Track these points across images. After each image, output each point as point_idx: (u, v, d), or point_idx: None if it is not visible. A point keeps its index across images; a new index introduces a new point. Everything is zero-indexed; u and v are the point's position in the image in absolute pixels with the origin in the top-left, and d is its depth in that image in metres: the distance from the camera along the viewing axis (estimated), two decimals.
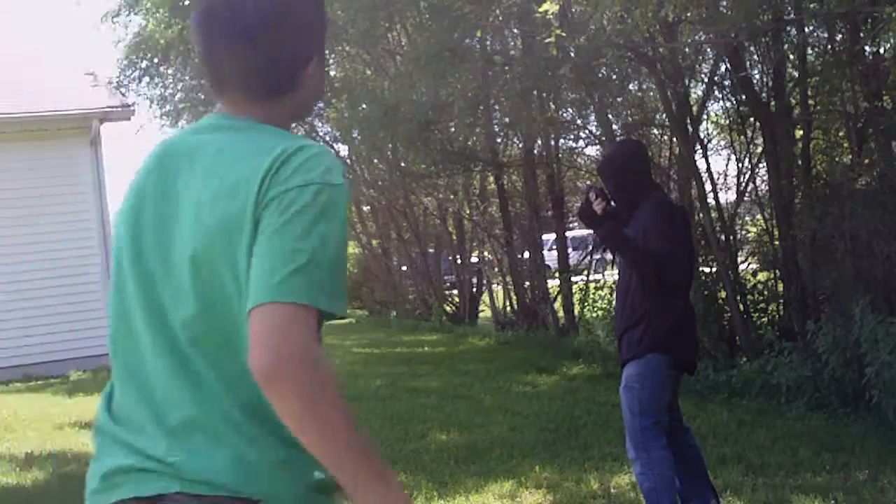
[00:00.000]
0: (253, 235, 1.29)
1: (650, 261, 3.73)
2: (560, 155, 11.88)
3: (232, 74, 1.43)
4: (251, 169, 1.32)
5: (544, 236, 12.90)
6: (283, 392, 1.23)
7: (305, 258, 1.26)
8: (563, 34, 5.88)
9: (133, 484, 1.34)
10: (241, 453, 1.31)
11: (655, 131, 10.26)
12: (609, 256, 10.48)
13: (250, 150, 1.35)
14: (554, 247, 12.30)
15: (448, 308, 16.33)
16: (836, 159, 8.25)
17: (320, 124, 16.73)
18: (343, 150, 16.71)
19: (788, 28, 7.43)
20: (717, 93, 9.02)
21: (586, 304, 10.85)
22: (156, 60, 14.79)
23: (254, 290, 1.26)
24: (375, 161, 14.80)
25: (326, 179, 1.32)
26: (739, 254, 9.06)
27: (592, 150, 11.94)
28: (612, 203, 4.07)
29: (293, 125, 1.62)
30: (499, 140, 11.97)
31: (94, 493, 1.41)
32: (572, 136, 11.55)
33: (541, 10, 5.62)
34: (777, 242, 8.08)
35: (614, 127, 9.55)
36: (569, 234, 12.95)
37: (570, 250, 12.32)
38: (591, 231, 10.37)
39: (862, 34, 7.11)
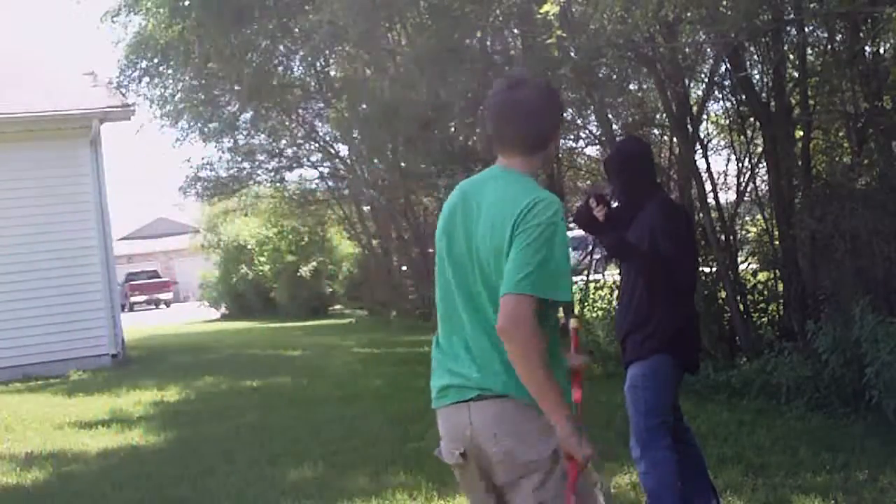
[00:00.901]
0: (509, 251, 2.28)
1: (658, 264, 3.74)
2: (560, 155, 11.87)
3: (513, 141, 2.44)
4: (512, 212, 2.30)
5: None
6: (508, 342, 2.25)
7: (531, 269, 2.24)
8: (564, 35, 5.88)
9: (456, 394, 2.40)
10: (505, 372, 2.30)
11: (655, 131, 10.25)
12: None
13: (513, 198, 2.33)
14: None
15: None
16: (836, 159, 8.24)
17: (320, 124, 16.74)
18: (343, 150, 16.71)
19: (788, 28, 7.42)
20: (717, 93, 9.01)
21: (586, 304, 10.84)
22: (156, 60, 14.78)
23: (504, 284, 2.26)
24: (375, 161, 14.80)
25: (552, 220, 2.30)
26: (739, 254, 9.05)
27: (592, 150, 11.95)
28: (614, 204, 4.06)
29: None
30: None
31: (434, 401, 2.50)
32: (572, 136, 11.55)
33: (541, 10, 5.62)
34: (777, 242, 8.08)
35: (614, 127, 9.54)
36: (569, 233, 12.94)
37: (570, 250, 12.31)
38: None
39: (862, 34, 7.11)
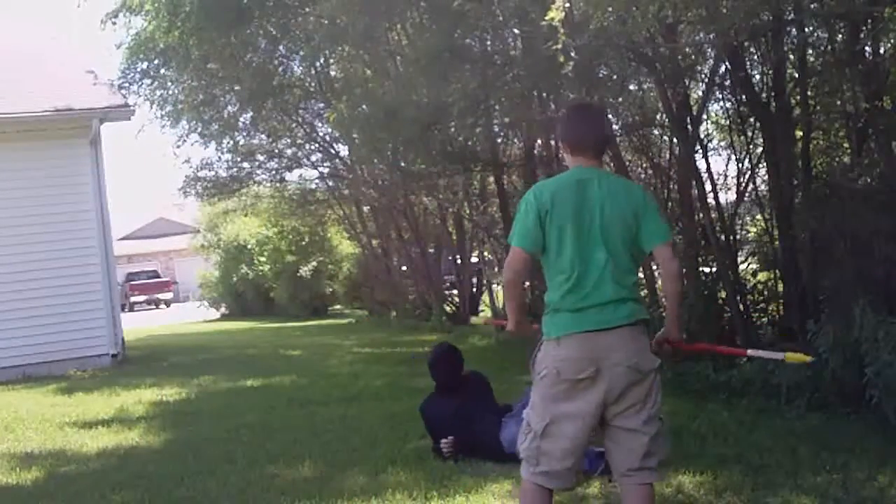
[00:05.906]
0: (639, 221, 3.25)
1: None
2: (560, 155, 11.87)
3: (596, 146, 3.36)
4: (637, 195, 3.31)
5: None
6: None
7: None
8: (570, 39, 5.88)
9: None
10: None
11: (655, 131, 10.26)
12: None
13: (627, 186, 3.41)
14: None
15: (448, 308, 16.31)
16: (836, 159, 8.25)
17: (320, 125, 16.74)
18: (343, 150, 16.70)
19: (788, 28, 7.42)
20: (717, 93, 9.01)
21: None
22: (156, 62, 14.78)
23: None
24: (375, 161, 14.79)
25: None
26: (739, 254, 9.05)
27: None
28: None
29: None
30: (499, 140, 11.96)
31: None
32: None
33: (546, 17, 5.63)
34: (777, 242, 8.08)
35: (614, 127, 9.54)
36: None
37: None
38: None
39: (862, 34, 7.11)
